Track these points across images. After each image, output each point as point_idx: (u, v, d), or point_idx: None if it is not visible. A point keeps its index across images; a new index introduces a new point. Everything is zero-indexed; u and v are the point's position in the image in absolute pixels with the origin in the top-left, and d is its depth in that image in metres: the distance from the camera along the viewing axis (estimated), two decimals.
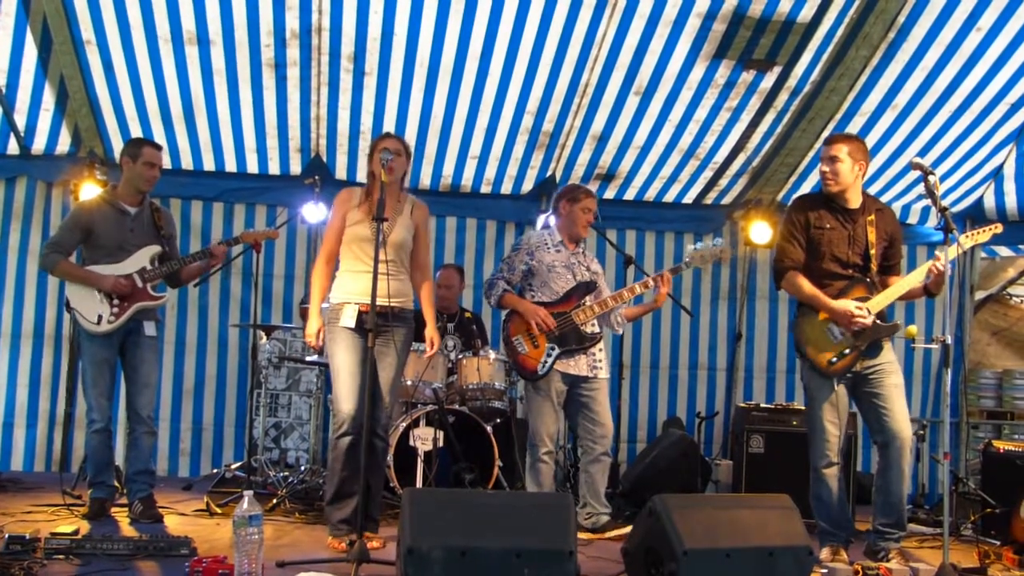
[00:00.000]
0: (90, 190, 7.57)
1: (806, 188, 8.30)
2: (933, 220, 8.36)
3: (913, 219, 8.51)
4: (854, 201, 5.46)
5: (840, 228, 5.46)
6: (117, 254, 5.93)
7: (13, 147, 7.79)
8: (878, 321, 5.38)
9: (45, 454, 8.01)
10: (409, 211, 5.62)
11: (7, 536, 4.65)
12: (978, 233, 5.59)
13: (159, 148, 6.09)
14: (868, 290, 5.42)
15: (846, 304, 5.36)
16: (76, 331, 5.98)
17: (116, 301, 5.86)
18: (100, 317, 5.83)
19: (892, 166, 7.93)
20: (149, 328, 6.02)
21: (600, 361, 6.23)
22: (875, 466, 5.59)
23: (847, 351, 5.37)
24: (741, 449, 7.09)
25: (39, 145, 7.77)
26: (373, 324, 5.00)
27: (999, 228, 5.68)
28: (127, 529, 5.58)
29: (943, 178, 7.89)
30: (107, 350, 5.89)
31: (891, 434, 5.36)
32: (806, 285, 5.50)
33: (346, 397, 5.40)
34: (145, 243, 6.01)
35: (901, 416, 5.38)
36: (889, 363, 5.46)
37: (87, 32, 6.73)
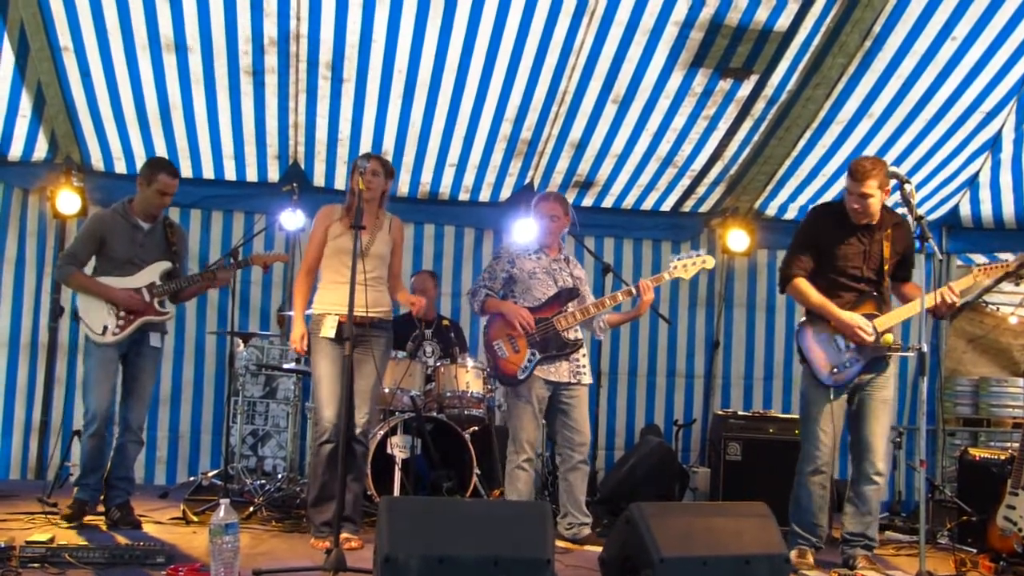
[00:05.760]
0: (67, 197, 7.57)
1: (783, 196, 8.35)
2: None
3: None
4: (874, 217, 5.50)
5: (857, 243, 5.52)
6: (127, 267, 5.98)
7: None
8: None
9: (21, 463, 7.95)
10: (388, 227, 5.85)
11: None
12: (992, 268, 5.62)
13: (175, 175, 6.07)
14: (877, 306, 5.49)
15: (854, 316, 5.40)
16: (84, 338, 6.00)
17: (122, 313, 5.90)
18: (105, 328, 5.88)
19: None
20: (154, 340, 6.09)
21: (583, 367, 6.24)
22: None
23: (849, 364, 5.42)
24: (719, 457, 7.12)
25: (15, 152, 7.71)
26: (350, 332, 5.09)
27: (1011, 266, 5.70)
28: (103, 536, 5.55)
29: (919, 186, 7.94)
30: (112, 355, 5.93)
31: (866, 445, 5.49)
32: (814, 294, 5.55)
33: (327, 405, 5.60)
34: (156, 258, 6.06)
35: (880, 430, 5.51)
36: (885, 378, 5.54)
37: (64, 38, 6.70)
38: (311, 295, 5.87)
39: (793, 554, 5.38)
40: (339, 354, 5.56)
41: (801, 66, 6.97)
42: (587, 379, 6.25)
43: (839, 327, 5.47)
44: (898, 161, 7.66)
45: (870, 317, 5.45)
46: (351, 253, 5.49)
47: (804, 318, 5.71)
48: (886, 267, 5.52)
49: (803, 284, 5.59)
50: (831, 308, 5.48)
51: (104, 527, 5.81)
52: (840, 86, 7.08)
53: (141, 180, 6.03)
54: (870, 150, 7.65)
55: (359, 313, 5.32)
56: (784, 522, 5.25)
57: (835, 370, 5.46)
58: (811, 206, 8.01)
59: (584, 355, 6.28)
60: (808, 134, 7.57)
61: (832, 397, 5.48)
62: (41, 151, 7.74)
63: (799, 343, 5.66)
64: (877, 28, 6.56)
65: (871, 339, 5.40)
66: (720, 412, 7.60)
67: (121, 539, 5.40)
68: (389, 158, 7.71)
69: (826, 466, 5.51)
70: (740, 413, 7.42)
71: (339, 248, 5.71)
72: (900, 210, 8.17)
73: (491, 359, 6.22)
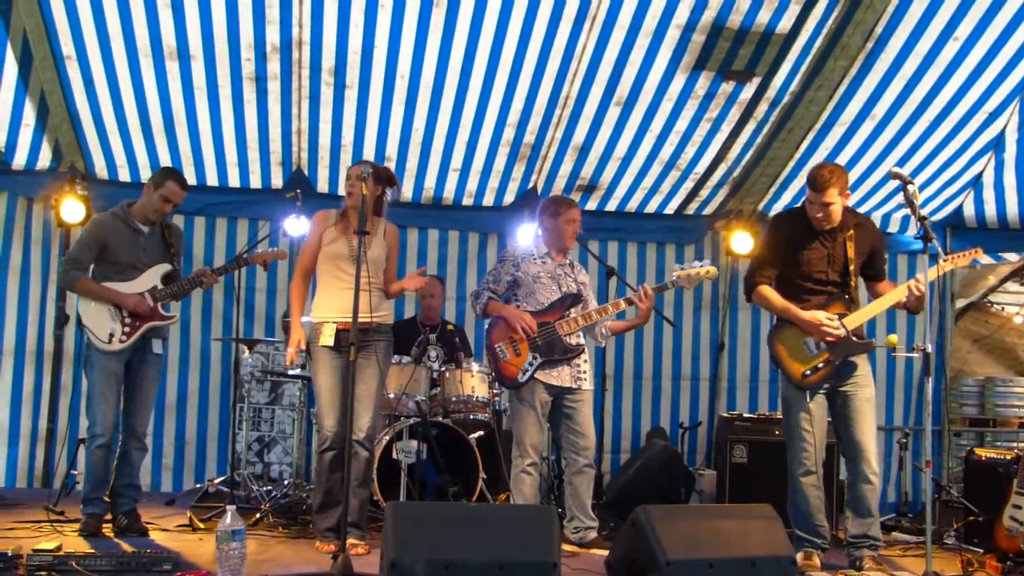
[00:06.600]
0: (71, 205, 7.58)
1: (787, 198, 8.34)
2: (913, 229, 8.41)
3: (893, 228, 8.55)
4: (836, 222, 5.54)
5: (820, 247, 5.58)
6: (128, 272, 5.95)
7: None
8: (853, 338, 5.46)
9: (27, 471, 7.96)
10: (383, 233, 5.85)
11: None
12: (959, 257, 5.72)
13: (184, 187, 6.05)
14: (846, 307, 5.53)
15: (816, 314, 5.46)
16: (87, 346, 5.98)
17: (128, 320, 5.88)
18: (112, 335, 5.85)
19: (871, 176, 7.97)
20: (156, 346, 6.06)
21: (585, 372, 6.24)
22: None
23: (821, 365, 5.48)
24: (724, 459, 7.12)
25: (20, 161, 7.74)
26: (355, 338, 5.13)
27: (979, 253, 5.78)
28: (110, 544, 5.55)
29: (922, 187, 7.94)
30: (116, 365, 5.90)
31: (856, 446, 5.51)
32: (776, 298, 5.64)
33: (328, 413, 5.64)
34: (155, 261, 6.04)
35: (868, 428, 5.52)
36: (863, 376, 5.58)
37: (67, 47, 6.71)
38: (308, 301, 5.90)
39: (799, 556, 5.39)
40: (338, 363, 5.64)
41: (803, 68, 6.97)
42: (588, 385, 6.25)
43: (804, 328, 5.52)
44: (901, 162, 7.66)
45: (839, 317, 5.49)
46: (346, 258, 5.65)
47: (775, 324, 5.77)
48: (851, 267, 5.57)
49: (767, 291, 5.68)
50: (794, 311, 5.56)
51: (111, 534, 5.81)
52: (842, 88, 7.07)
53: (149, 184, 6.01)
54: (873, 152, 7.66)
55: (359, 318, 5.27)
56: (790, 524, 5.26)
57: (807, 373, 5.50)
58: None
59: (586, 361, 6.28)
60: (811, 136, 7.57)
61: (809, 399, 5.52)
62: (45, 160, 7.76)
63: (770, 349, 5.73)
64: (879, 29, 6.56)
65: (839, 334, 5.43)
66: (725, 415, 7.60)
67: (127, 547, 5.41)
68: (392, 163, 7.75)
69: (815, 466, 5.55)
70: (745, 415, 7.43)
71: (334, 253, 5.73)
72: (903, 211, 8.25)
73: (492, 362, 6.24)
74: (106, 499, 5.95)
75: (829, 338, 5.45)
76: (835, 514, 6.61)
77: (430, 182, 8.19)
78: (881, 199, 8.26)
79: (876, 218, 8.34)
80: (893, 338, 5.63)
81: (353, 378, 5.24)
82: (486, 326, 6.37)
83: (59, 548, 4.88)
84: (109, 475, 5.94)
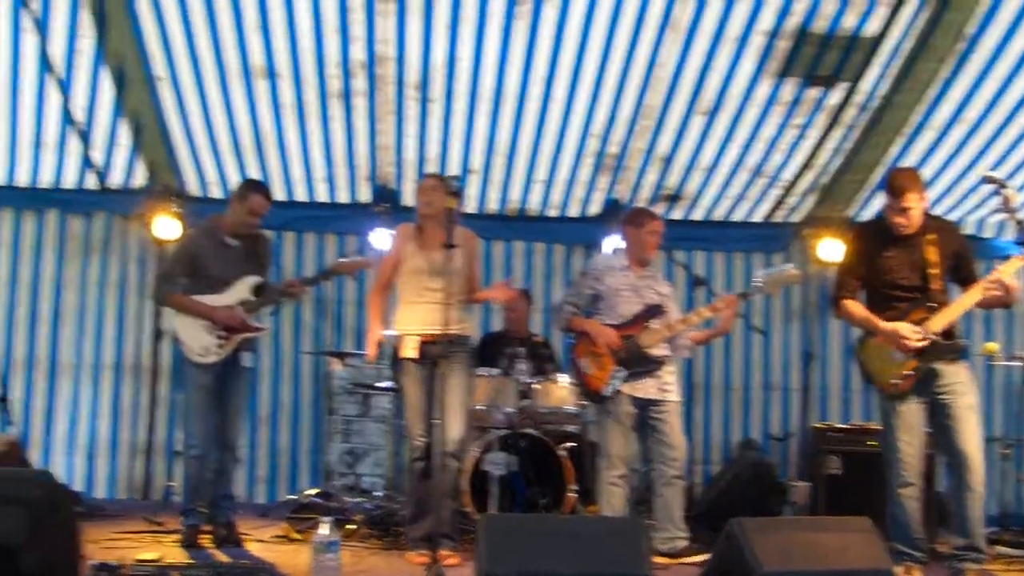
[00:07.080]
0: (165, 223, 7.75)
1: (876, 204, 8.18)
2: (1010, 234, 8.18)
3: (988, 233, 8.33)
4: (916, 228, 5.45)
5: (901, 254, 5.47)
6: (218, 285, 6.02)
7: (91, 182, 7.99)
8: (940, 340, 5.33)
9: (127, 483, 8.16)
10: (461, 241, 5.76)
11: (94, 563, 4.74)
12: None
13: (268, 198, 6.15)
14: (928, 311, 5.39)
15: (896, 325, 5.35)
16: (181, 360, 6.11)
17: (222, 332, 5.97)
18: (206, 348, 5.94)
19: (963, 180, 7.79)
20: (245, 359, 6.12)
21: (669, 384, 6.20)
22: None
23: (909, 372, 5.34)
24: (818, 471, 7.01)
25: (116, 180, 7.96)
26: (442, 350, 5.28)
27: None
28: (208, 555, 5.65)
29: (1018, 191, 7.73)
30: (209, 378, 6.00)
31: (960, 455, 5.33)
32: (857, 311, 5.57)
33: (417, 424, 5.76)
34: (245, 273, 6.10)
35: (971, 436, 5.33)
36: (960, 383, 5.41)
37: (160, 69, 6.88)
38: (385, 311, 6.02)
39: (899, 570, 5.27)
40: (424, 374, 5.71)
41: (892, 72, 6.85)
42: (674, 396, 6.21)
43: (884, 338, 5.42)
44: (995, 166, 7.47)
45: (919, 323, 5.35)
46: (426, 272, 5.76)
47: (858, 335, 5.70)
48: (934, 271, 5.42)
49: (850, 304, 5.62)
50: (874, 322, 5.47)
51: (210, 544, 5.91)
52: (932, 91, 6.93)
53: (235, 198, 6.11)
54: (965, 156, 7.49)
55: (440, 331, 5.30)
56: (887, 536, 5.16)
57: (895, 381, 5.39)
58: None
59: (671, 372, 6.24)
60: (900, 140, 7.42)
61: (903, 408, 5.41)
62: (139, 179, 7.95)
63: (859, 361, 5.66)
64: (970, 30, 6.41)
65: (917, 344, 5.29)
66: (818, 425, 7.48)
67: (224, 557, 5.51)
68: (478, 176, 7.82)
69: (914, 477, 5.42)
70: (838, 426, 7.30)
71: (415, 268, 5.83)
72: (999, 216, 8.04)
73: (577, 376, 6.26)
74: (203, 510, 6.05)
75: (907, 350, 5.35)
76: (934, 527, 6.45)
77: (515, 194, 8.22)
78: (975, 204, 8.07)
79: (970, 223, 8.15)
80: (992, 345, 5.47)
81: (440, 391, 5.30)
82: (572, 339, 6.37)
83: (160, 559, 4.99)
84: (205, 487, 6.03)
